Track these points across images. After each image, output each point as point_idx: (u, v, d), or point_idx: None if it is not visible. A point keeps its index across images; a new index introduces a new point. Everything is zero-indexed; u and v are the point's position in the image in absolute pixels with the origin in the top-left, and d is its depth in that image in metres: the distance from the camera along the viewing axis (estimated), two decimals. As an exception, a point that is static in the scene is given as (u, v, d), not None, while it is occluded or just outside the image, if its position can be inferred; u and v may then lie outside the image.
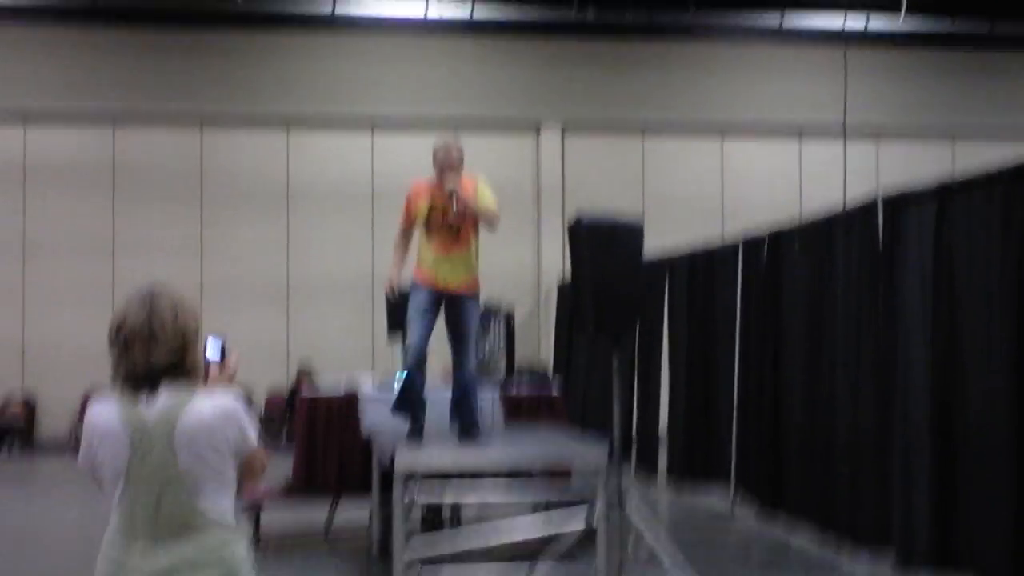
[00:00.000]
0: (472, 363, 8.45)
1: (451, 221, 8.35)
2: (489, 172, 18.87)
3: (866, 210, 9.53)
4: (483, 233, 8.61)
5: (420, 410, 8.58)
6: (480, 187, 8.42)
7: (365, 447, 9.99)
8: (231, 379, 3.83)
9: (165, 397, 3.59)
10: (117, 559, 3.58)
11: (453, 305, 8.43)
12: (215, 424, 3.59)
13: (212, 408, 3.60)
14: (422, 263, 8.49)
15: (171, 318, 3.61)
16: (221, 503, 3.63)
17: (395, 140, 20.48)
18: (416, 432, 8.54)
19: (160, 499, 3.55)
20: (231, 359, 3.87)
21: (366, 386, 10.79)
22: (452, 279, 8.39)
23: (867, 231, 9.46)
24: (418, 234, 8.55)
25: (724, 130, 21.84)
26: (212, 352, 3.83)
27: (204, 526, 3.58)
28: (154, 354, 3.57)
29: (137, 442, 3.55)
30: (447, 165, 8.33)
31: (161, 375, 3.59)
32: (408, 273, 8.57)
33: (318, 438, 10.33)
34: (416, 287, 8.47)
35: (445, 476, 9.07)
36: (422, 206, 8.41)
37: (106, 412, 3.61)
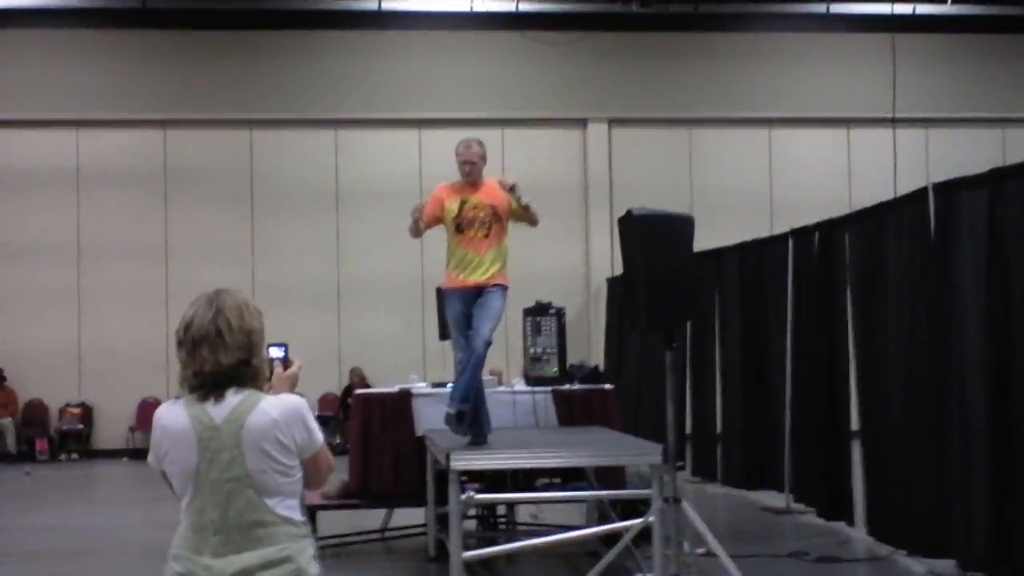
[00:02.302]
0: (483, 342, 8.38)
1: (484, 220, 8.43)
2: (536, 168, 19.21)
3: (917, 198, 9.42)
4: (530, 232, 8.70)
5: (482, 418, 8.63)
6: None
7: (419, 445, 10.03)
8: (294, 382, 3.88)
9: (232, 398, 3.65)
10: (188, 558, 3.65)
11: (478, 299, 8.46)
12: (281, 423, 3.66)
13: (278, 407, 3.67)
14: (452, 265, 8.57)
15: (237, 319, 3.68)
16: (288, 502, 3.71)
17: (442, 138, 20.37)
18: (478, 440, 8.56)
19: (229, 498, 3.62)
20: (294, 364, 3.93)
21: (417, 384, 10.86)
22: (481, 277, 8.45)
23: (919, 219, 9.34)
24: (447, 238, 8.62)
25: (771, 121, 21.70)
26: (277, 352, 3.91)
27: (272, 524, 3.65)
28: (221, 354, 3.65)
29: (206, 443, 3.63)
30: (466, 160, 8.55)
31: (228, 376, 3.66)
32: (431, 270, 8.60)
33: (373, 437, 10.38)
34: (448, 293, 8.60)
35: (500, 477, 9.10)
36: (451, 207, 8.49)
37: (175, 414, 3.69)
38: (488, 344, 8.43)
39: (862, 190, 18.92)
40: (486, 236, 8.47)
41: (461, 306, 8.50)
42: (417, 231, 8.63)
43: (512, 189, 8.41)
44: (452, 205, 8.52)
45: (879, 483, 10.08)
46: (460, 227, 8.50)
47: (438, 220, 8.60)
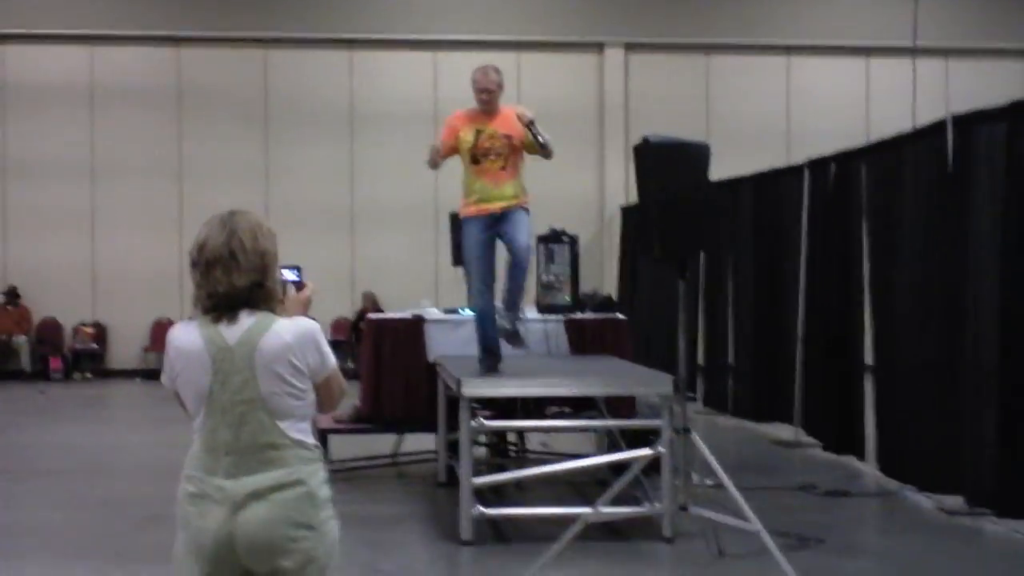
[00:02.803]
0: (525, 248, 8.40)
1: (500, 150, 8.35)
2: (552, 93, 19.05)
3: (935, 130, 9.32)
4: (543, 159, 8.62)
5: (496, 346, 8.63)
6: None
7: (430, 371, 10.06)
8: (307, 305, 3.88)
9: (246, 320, 3.65)
10: (201, 479, 3.65)
11: (504, 219, 8.42)
12: (294, 346, 3.65)
13: (291, 330, 3.67)
14: (470, 196, 8.50)
15: (251, 240, 3.66)
16: (300, 425, 3.71)
17: (458, 61, 20.02)
18: (491, 367, 8.57)
19: (242, 420, 3.63)
20: (308, 287, 3.92)
21: (430, 309, 10.85)
22: (501, 204, 8.40)
23: (936, 152, 9.25)
24: (463, 168, 8.54)
25: (790, 48, 21.47)
26: (290, 275, 3.90)
27: (284, 447, 3.65)
28: (235, 276, 3.63)
29: (219, 364, 3.63)
30: (484, 88, 8.39)
31: (241, 298, 3.65)
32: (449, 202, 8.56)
33: (384, 362, 10.39)
34: (467, 221, 8.52)
35: (511, 405, 9.12)
36: (466, 136, 8.40)
37: (188, 335, 3.69)
38: (530, 249, 8.41)
39: (880, 120, 18.77)
40: (503, 168, 8.38)
41: (483, 234, 8.44)
42: (435, 164, 8.55)
43: (530, 125, 8.31)
44: (467, 135, 8.41)
45: (890, 418, 10.07)
46: (476, 158, 8.41)
47: (454, 151, 8.51)
